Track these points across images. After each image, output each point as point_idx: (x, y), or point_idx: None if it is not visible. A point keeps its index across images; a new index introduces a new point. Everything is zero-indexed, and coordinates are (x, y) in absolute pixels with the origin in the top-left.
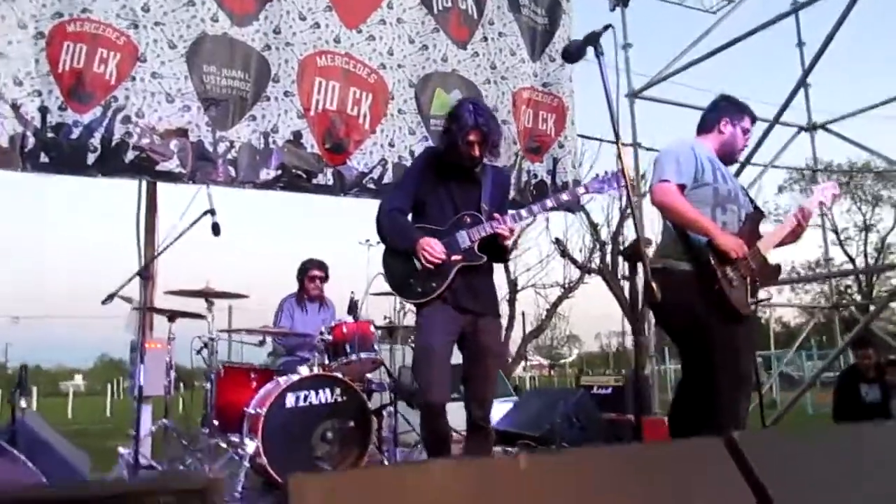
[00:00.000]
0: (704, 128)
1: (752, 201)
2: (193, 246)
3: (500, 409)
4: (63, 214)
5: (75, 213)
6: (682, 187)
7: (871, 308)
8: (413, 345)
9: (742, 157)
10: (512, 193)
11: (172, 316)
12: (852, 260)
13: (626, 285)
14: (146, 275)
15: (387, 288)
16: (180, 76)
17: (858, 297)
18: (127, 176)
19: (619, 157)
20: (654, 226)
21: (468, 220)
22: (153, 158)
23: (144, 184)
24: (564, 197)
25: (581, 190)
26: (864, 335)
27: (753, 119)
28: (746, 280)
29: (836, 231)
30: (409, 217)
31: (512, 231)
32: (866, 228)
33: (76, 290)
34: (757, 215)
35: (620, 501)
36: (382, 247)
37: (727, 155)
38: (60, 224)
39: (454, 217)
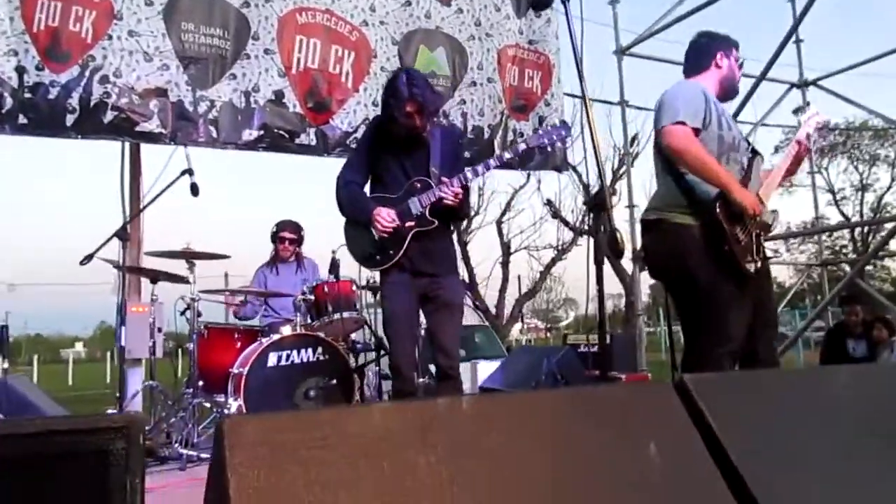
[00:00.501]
0: (698, 68)
1: (749, 144)
2: (179, 210)
3: (489, 368)
4: (58, 178)
5: (73, 177)
6: (696, 131)
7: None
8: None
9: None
10: (497, 152)
11: (154, 277)
12: (848, 220)
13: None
14: (124, 235)
15: None
16: (158, 34)
17: (853, 256)
18: (106, 137)
19: (584, 108)
20: (646, 186)
21: (419, 185)
22: (133, 119)
23: (127, 146)
24: (507, 155)
25: (522, 146)
26: (852, 292)
27: (738, 47)
28: (752, 236)
29: (832, 191)
30: (367, 188)
31: (457, 194)
32: (863, 188)
33: (76, 257)
34: (755, 161)
35: (565, 442)
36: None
37: (727, 91)
38: (55, 189)
39: (406, 184)
